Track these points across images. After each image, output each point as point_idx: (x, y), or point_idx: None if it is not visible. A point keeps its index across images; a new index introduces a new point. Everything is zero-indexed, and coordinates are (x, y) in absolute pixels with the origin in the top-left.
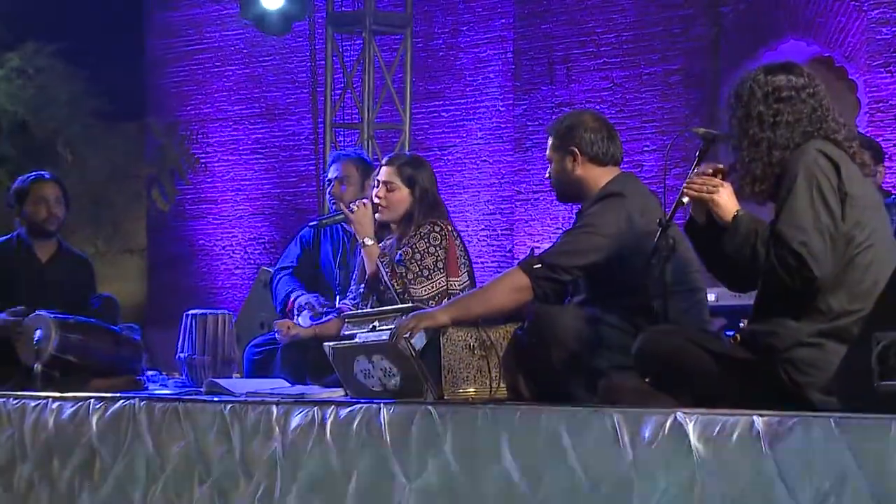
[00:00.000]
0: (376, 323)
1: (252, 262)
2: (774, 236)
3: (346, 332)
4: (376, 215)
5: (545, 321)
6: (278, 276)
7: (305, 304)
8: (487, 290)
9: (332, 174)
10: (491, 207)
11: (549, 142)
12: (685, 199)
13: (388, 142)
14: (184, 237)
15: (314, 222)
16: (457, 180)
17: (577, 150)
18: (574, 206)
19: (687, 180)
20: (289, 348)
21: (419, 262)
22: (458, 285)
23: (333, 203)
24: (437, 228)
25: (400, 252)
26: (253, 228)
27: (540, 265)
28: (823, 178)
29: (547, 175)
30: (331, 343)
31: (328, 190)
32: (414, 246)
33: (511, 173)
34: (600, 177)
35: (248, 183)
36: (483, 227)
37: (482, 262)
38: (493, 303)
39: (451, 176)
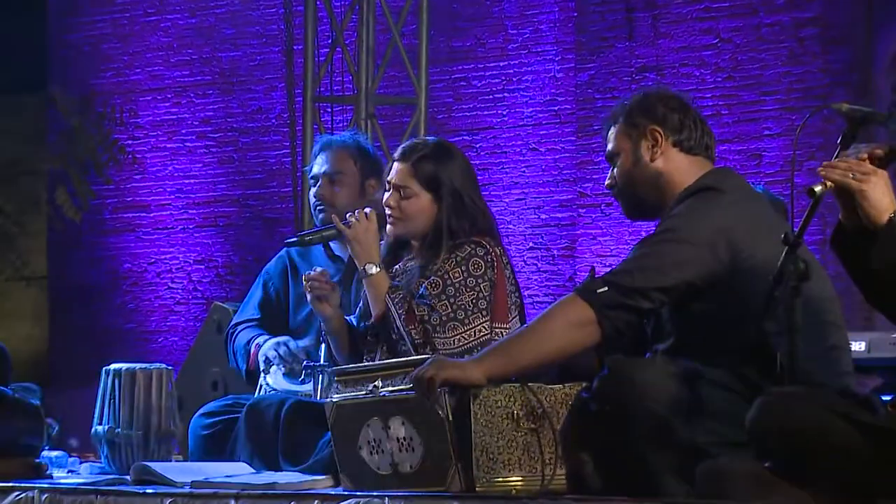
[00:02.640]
0: (378, 382)
1: (200, 294)
2: None
3: (336, 396)
4: (386, 229)
5: (621, 378)
6: (234, 333)
7: (274, 355)
8: (535, 330)
9: (317, 168)
10: (543, 217)
11: (612, 131)
12: (819, 189)
13: (395, 123)
14: (102, 259)
15: (293, 239)
16: (493, 178)
17: (658, 128)
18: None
19: (826, 163)
20: (255, 415)
21: (452, 301)
22: (506, 334)
23: (320, 210)
24: (481, 251)
25: (424, 285)
26: (201, 247)
27: (605, 288)
28: None
29: (608, 182)
30: (337, 397)
31: (312, 192)
32: (445, 276)
33: (572, 167)
34: (690, 170)
35: (194, 181)
36: (532, 245)
37: (531, 298)
38: (544, 348)
39: (486, 172)
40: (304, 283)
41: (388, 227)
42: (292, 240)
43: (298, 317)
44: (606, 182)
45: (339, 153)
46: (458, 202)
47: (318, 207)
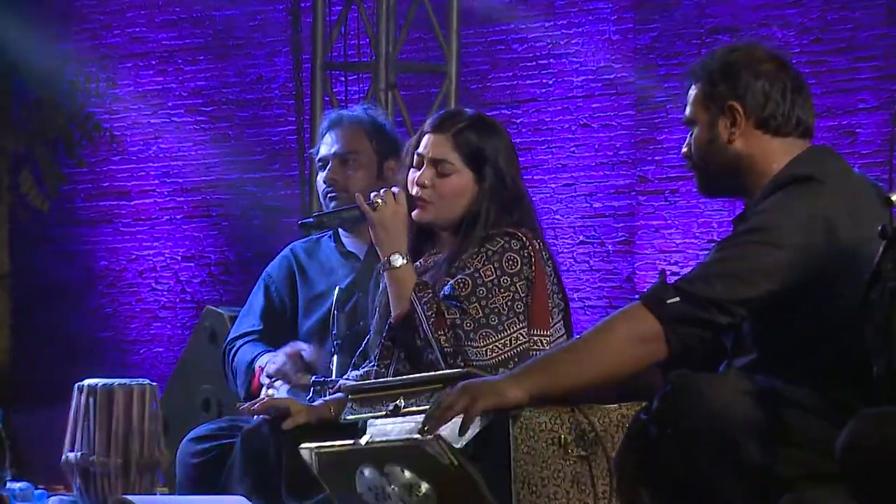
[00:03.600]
0: (400, 401)
1: (189, 297)
2: None
3: (349, 417)
4: (413, 214)
5: (687, 397)
6: (233, 349)
7: (276, 370)
8: (589, 344)
9: (326, 149)
10: (596, 206)
11: (691, 92)
12: None
13: (420, 94)
14: (74, 255)
15: (308, 220)
16: (537, 159)
17: (738, 106)
18: (732, 205)
19: None
20: (254, 441)
21: (484, 303)
22: (549, 343)
23: (332, 198)
24: (516, 245)
25: (451, 282)
26: (191, 241)
27: (677, 298)
28: None
29: (684, 150)
30: (312, 445)
31: (321, 177)
32: (476, 273)
33: (630, 147)
34: (777, 153)
35: (182, 164)
36: (583, 238)
37: (581, 301)
38: (599, 366)
39: (528, 153)
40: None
41: (416, 212)
42: (307, 221)
43: (307, 324)
44: (682, 150)
45: (352, 130)
46: (501, 185)
47: (329, 194)
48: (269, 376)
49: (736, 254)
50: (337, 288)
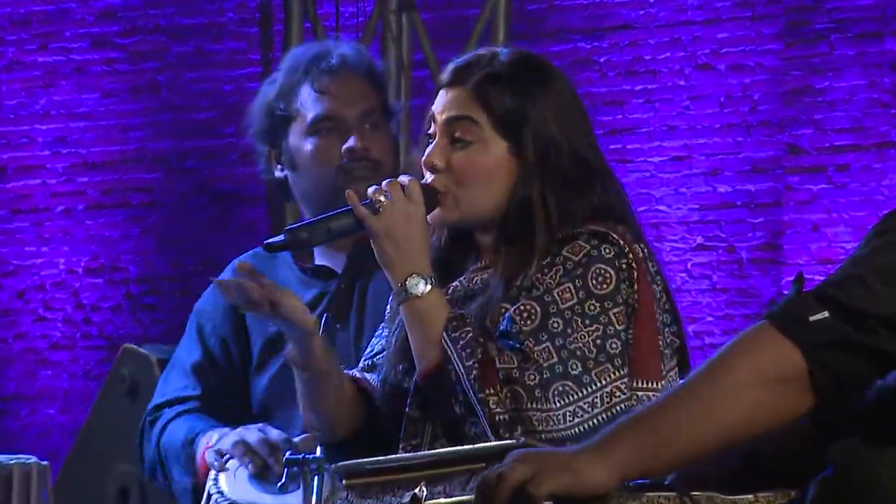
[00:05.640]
0: (421, 490)
1: (96, 330)
2: None
3: None
4: (430, 216)
5: (860, 490)
6: (157, 422)
7: (235, 443)
8: (697, 392)
9: (311, 109)
10: (722, 190)
11: None
12: None
13: (451, 19)
14: None
15: (277, 240)
16: (631, 119)
17: None
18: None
19: None
20: None
21: (560, 341)
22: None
23: (362, 174)
24: (609, 252)
25: (508, 314)
26: (100, 245)
27: (825, 314)
28: None
29: None
30: None
31: (316, 144)
32: (546, 297)
33: (775, 100)
34: None
35: (86, 126)
36: (701, 241)
37: (699, 336)
38: (716, 423)
39: (616, 109)
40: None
41: (434, 212)
42: (275, 240)
43: (264, 380)
44: None
45: (349, 80)
46: (554, 158)
47: (346, 168)
48: (221, 453)
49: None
50: (324, 315)
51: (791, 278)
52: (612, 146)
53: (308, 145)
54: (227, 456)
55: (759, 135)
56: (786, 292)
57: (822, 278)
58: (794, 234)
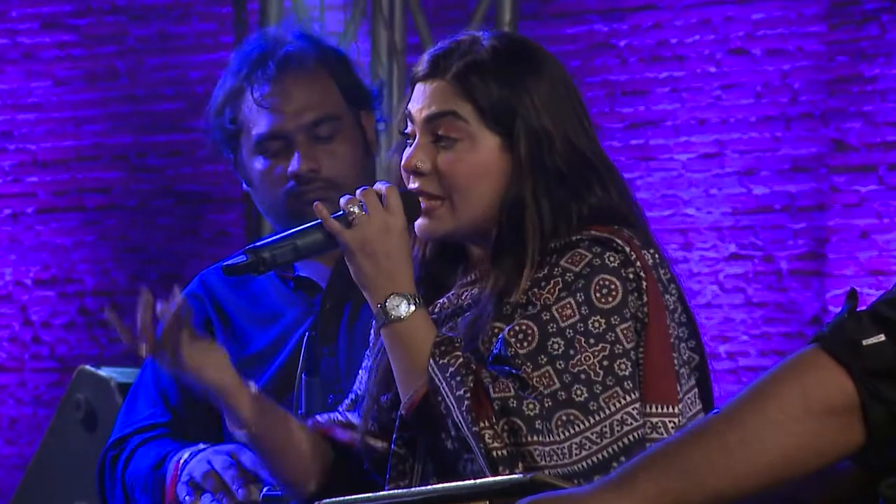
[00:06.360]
0: None
1: (46, 350)
2: None
3: None
4: (417, 225)
5: None
6: (121, 454)
7: (206, 473)
8: (736, 423)
9: (273, 118)
10: (758, 192)
11: None
12: None
13: (445, 4)
14: None
15: (237, 261)
16: (655, 110)
17: None
18: None
19: None
20: None
21: (562, 363)
22: (676, 428)
23: (307, 195)
24: (613, 259)
25: (502, 335)
26: (50, 253)
27: (881, 337)
28: None
29: None
30: None
31: (263, 166)
32: (545, 312)
33: (818, 89)
34: None
35: (35, 119)
36: (735, 250)
37: (733, 358)
38: (757, 458)
39: (640, 100)
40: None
41: (420, 222)
42: (236, 262)
43: None
44: None
45: (317, 75)
46: (552, 155)
47: (301, 194)
48: (193, 484)
49: None
50: (305, 335)
51: (836, 292)
52: (633, 141)
53: (257, 165)
54: (201, 491)
55: (801, 129)
56: (832, 308)
57: (871, 292)
58: (840, 242)
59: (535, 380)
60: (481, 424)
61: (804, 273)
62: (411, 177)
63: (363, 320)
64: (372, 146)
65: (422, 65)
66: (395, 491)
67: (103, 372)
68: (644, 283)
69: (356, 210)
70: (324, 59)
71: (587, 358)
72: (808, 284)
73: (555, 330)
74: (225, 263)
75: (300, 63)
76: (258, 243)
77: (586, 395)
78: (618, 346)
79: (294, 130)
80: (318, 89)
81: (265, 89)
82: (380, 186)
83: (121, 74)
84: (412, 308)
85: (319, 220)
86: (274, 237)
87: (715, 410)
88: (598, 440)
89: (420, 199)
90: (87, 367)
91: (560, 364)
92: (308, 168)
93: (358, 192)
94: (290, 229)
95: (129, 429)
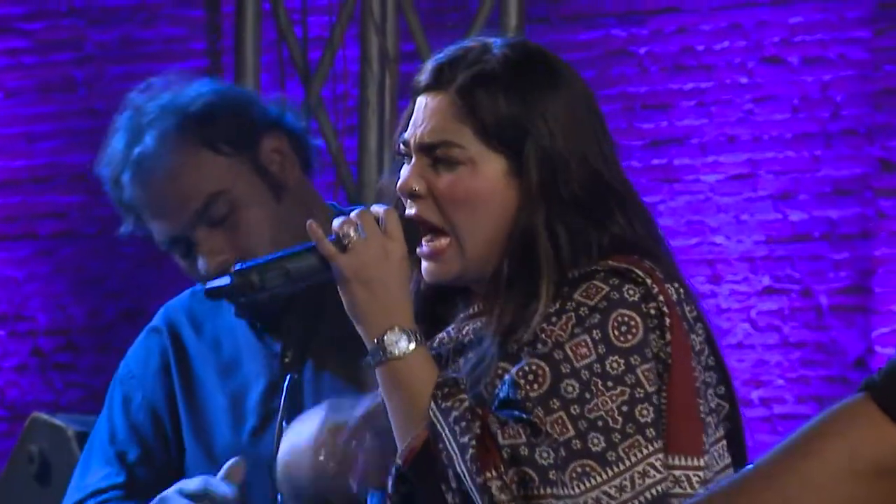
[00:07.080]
0: None
1: None
2: None
3: None
4: (424, 271)
5: None
6: None
7: (195, 490)
8: (775, 480)
9: (166, 224)
10: (795, 218)
11: None
12: None
13: (448, 2)
14: None
15: (220, 283)
16: (679, 126)
17: None
18: None
19: None
20: None
21: (577, 409)
22: (701, 482)
23: (217, 277)
24: (633, 293)
25: (510, 375)
26: (4, 289)
27: None
28: None
29: None
30: None
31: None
32: (558, 351)
33: (862, 103)
34: None
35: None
36: (768, 283)
37: (767, 405)
38: None
39: (662, 115)
40: None
41: (427, 266)
42: (219, 284)
43: (212, 440)
44: None
45: (190, 161)
46: (569, 181)
47: (210, 281)
48: None
49: None
50: (288, 378)
51: (883, 330)
52: (654, 161)
53: (175, 258)
54: None
55: (843, 147)
56: (879, 349)
57: None
58: (888, 274)
59: (547, 426)
60: (487, 475)
61: (847, 309)
62: (409, 201)
63: (331, 368)
64: (282, 174)
65: (424, 74)
66: None
67: (59, 420)
68: (667, 321)
69: (352, 233)
70: (190, 131)
71: (605, 403)
72: (852, 322)
73: (569, 371)
74: (208, 286)
75: (159, 159)
76: (246, 265)
77: (604, 444)
78: (639, 389)
79: (185, 228)
80: (191, 174)
81: (138, 193)
82: (377, 209)
83: (79, 85)
84: (412, 345)
85: (313, 243)
86: (263, 259)
87: (748, 466)
88: (618, 495)
89: (424, 242)
90: (41, 414)
91: (575, 409)
92: (216, 264)
93: (353, 213)
94: (279, 253)
95: (83, 493)
